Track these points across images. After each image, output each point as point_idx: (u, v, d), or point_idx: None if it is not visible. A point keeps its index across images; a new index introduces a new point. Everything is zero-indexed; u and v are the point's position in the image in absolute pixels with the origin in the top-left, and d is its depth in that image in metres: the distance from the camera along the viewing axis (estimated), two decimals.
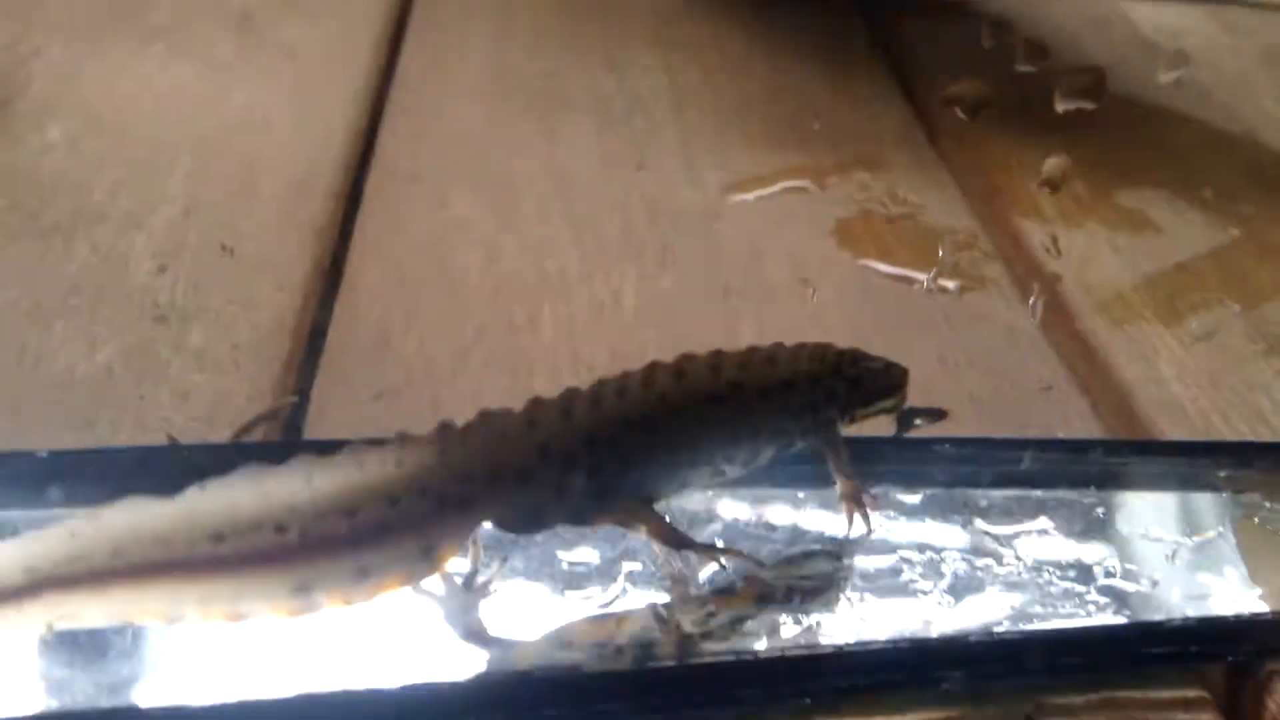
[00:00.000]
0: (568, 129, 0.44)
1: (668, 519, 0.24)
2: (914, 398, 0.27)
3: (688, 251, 0.37)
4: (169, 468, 0.24)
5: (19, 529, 0.20)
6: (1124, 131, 0.52)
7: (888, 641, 0.23)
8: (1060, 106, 0.40)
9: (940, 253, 0.40)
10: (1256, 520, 0.28)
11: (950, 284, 0.38)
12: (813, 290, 0.36)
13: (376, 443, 0.21)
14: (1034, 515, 0.27)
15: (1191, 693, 0.25)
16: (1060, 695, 0.24)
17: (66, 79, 0.41)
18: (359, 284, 0.33)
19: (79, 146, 0.37)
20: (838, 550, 0.25)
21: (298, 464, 0.20)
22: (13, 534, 0.20)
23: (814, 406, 0.25)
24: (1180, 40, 0.64)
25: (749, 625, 0.23)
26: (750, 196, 0.42)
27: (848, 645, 0.23)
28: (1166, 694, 0.25)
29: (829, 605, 0.24)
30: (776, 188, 0.42)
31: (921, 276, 0.38)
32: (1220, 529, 0.28)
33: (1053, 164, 0.39)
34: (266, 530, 0.20)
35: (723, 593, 0.24)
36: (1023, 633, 0.24)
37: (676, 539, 0.23)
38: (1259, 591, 0.26)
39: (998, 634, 0.24)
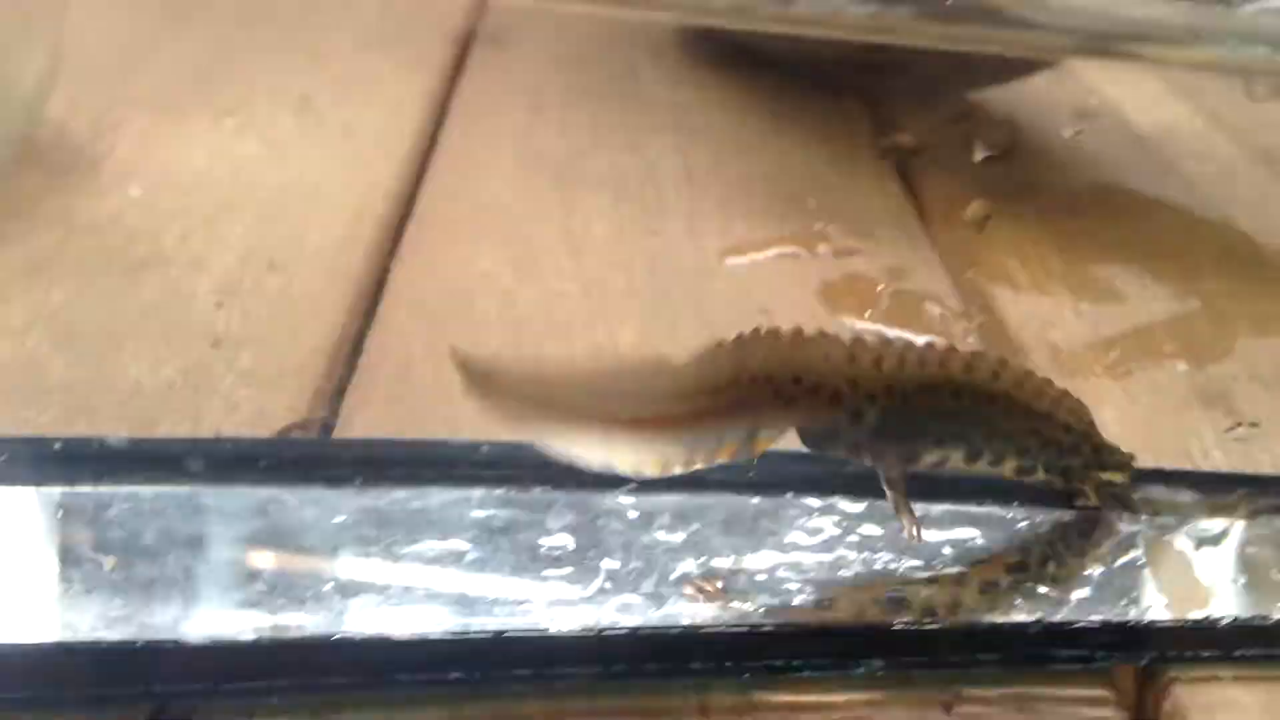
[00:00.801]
0: (586, 200, 0.49)
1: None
2: None
3: (682, 302, 0.42)
4: (217, 456, 0.29)
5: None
6: (1106, 217, 0.56)
7: (817, 625, 0.27)
8: (977, 156, 0.45)
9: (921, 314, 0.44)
10: (1167, 539, 0.31)
11: (919, 341, 0.42)
12: None
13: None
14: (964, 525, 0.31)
15: (1096, 692, 0.28)
16: (977, 687, 0.27)
17: (146, 146, 0.47)
18: (389, 322, 0.38)
19: (154, 202, 0.43)
20: None
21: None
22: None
23: (1060, 449, 0.29)
24: (1173, 136, 0.69)
25: None
26: (744, 259, 0.46)
27: (779, 625, 0.26)
28: (1073, 692, 0.28)
29: None
30: (770, 252, 0.47)
31: (891, 333, 0.42)
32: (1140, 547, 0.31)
33: (975, 207, 0.44)
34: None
35: None
36: (942, 625, 0.28)
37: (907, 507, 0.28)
38: (1164, 601, 0.30)
39: (918, 625, 0.27)
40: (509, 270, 0.42)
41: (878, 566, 0.29)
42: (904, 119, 0.58)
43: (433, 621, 0.25)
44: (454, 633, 0.25)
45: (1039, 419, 0.29)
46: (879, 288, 0.45)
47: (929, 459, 0.29)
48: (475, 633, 0.25)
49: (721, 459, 0.27)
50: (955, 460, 0.29)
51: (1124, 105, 0.70)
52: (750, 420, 0.27)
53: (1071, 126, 0.67)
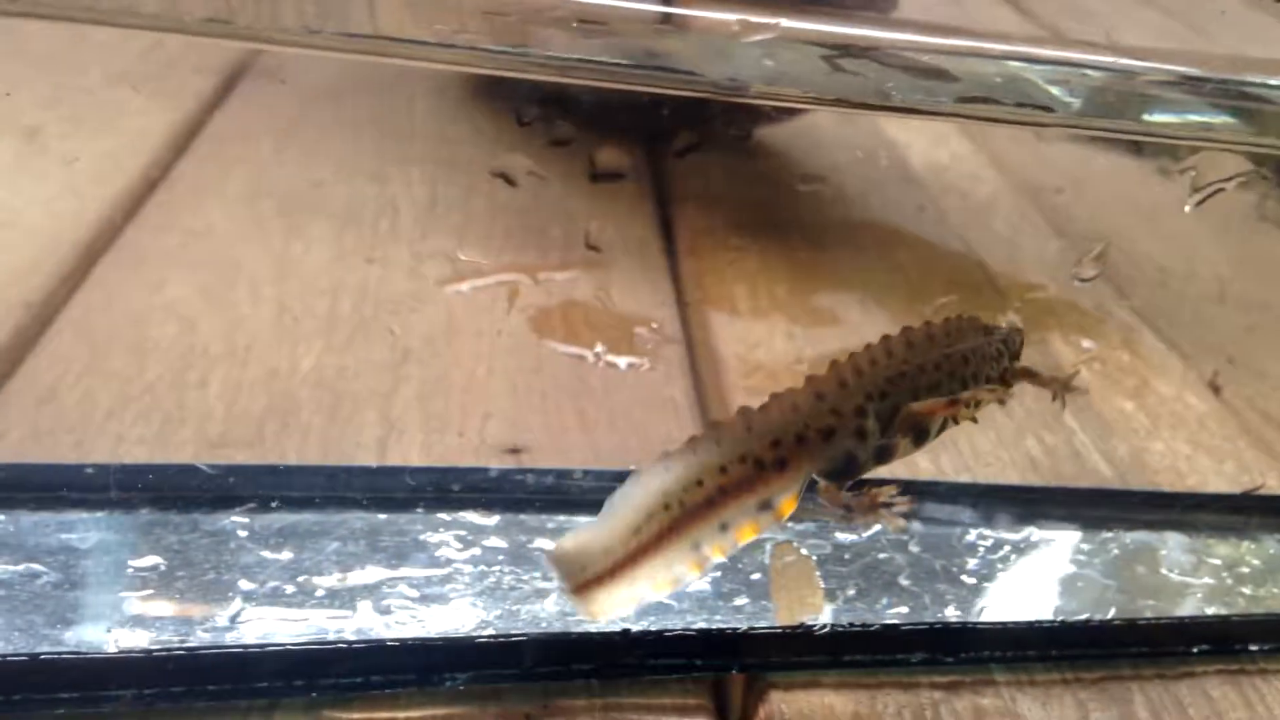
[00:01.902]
0: (313, 229, 0.49)
1: None
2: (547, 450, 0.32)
3: (382, 330, 0.42)
4: None
5: None
6: (850, 250, 0.58)
7: (395, 640, 0.26)
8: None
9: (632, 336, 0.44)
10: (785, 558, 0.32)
11: (621, 361, 0.42)
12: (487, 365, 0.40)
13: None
14: None
15: (691, 700, 0.28)
16: (566, 697, 0.27)
17: None
18: (50, 349, 0.37)
19: None
20: None
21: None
22: None
23: (998, 357, 0.31)
24: (944, 173, 0.71)
25: None
26: (464, 287, 0.46)
27: (354, 641, 0.26)
28: (667, 700, 0.28)
29: None
30: (490, 279, 0.47)
31: (591, 354, 0.42)
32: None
33: (593, 227, 0.45)
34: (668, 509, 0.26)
35: None
36: (529, 635, 0.28)
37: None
38: (770, 609, 0.30)
39: (502, 636, 0.27)
40: (198, 297, 0.41)
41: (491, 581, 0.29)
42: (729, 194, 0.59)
43: None
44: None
45: (979, 349, 0.31)
46: (591, 314, 0.46)
47: (933, 430, 0.30)
48: (8, 657, 0.23)
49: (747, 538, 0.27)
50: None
51: (910, 142, 0.72)
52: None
53: (848, 163, 0.69)
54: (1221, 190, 0.35)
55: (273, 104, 0.63)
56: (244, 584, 0.27)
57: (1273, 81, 0.36)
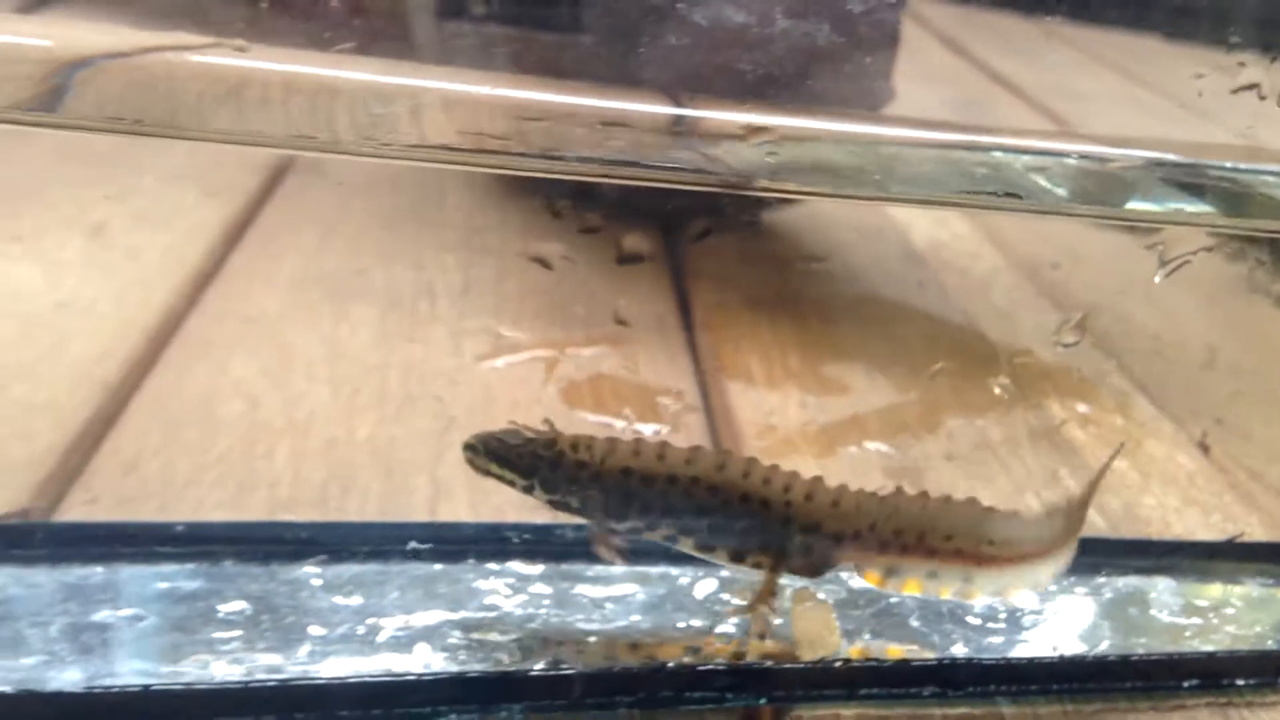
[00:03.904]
0: (356, 312, 0.53)
1: None
2: None
3: (427, 402, 0.45)
4: None
5: None
6: (856, 324, 0.61)
7: (456, 674, 0.30)
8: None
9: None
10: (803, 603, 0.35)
11: (646, 428, 0.46)
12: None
13: None
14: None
15: None
16: None
17: None
18: (128, 425, 0.40)
19: None
20: None
21: None
22: None
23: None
24: (944, 251, 0.75)
25: None
26: (500, 362, 0.50)
27: (421, 675, 0.29)
28: None
29: None
30: (524, 355, 0.51)
31: (620, 423, 0.46)
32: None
33: (621, 306, 0.48)
34: None
35: None
36: (577, 670, 0.31)
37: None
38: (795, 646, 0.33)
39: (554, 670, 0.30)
40: (260, 377, 0.45)
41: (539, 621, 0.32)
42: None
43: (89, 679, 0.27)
44: (105, 688, 0.27)
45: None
46: (619, 385, 0.49)
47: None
48: (121, 689, 0.27)
49: None
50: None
51: (911, 223, 0.76)
52: None
53: (852, 243, 0.73)
54: (1188, 262, 0.39)
55: (315, 198, 0.67)
56: (317, 628, 0.30)
57: (1236, 165, 0.40)
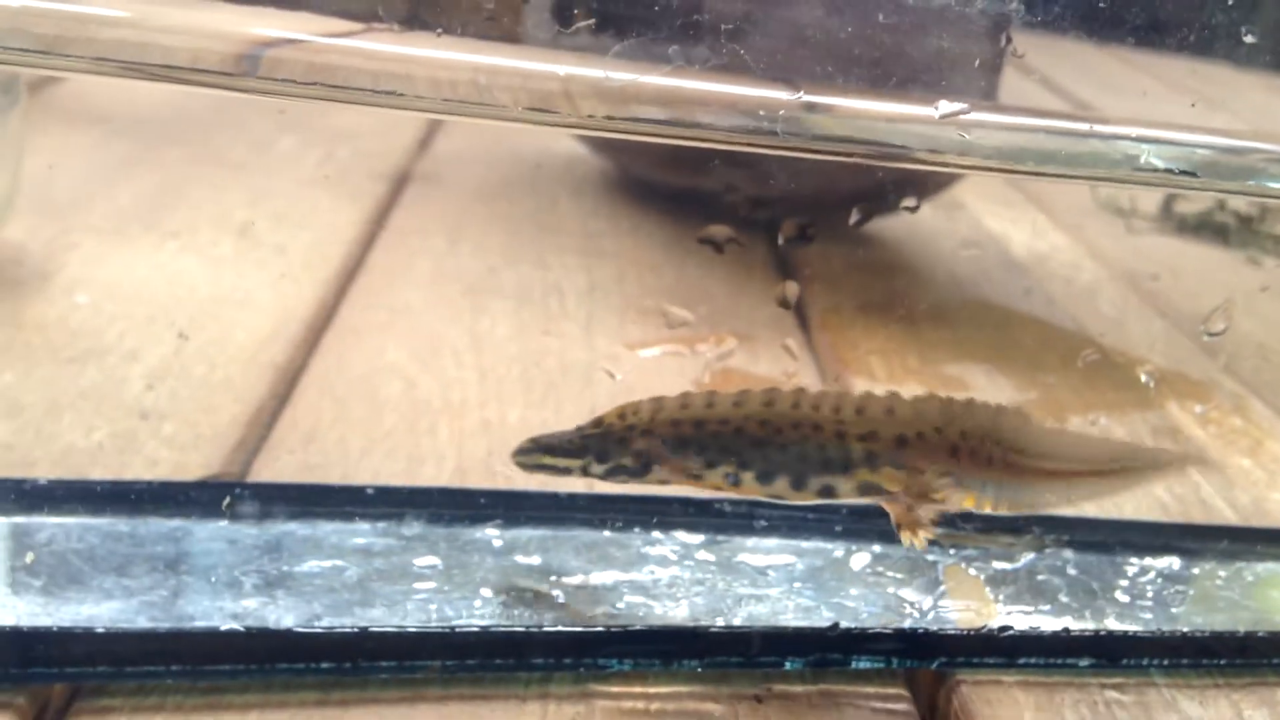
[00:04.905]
0: (493, 307, 0.55)
1: None
2: None
3: (568, 390, 0.47)
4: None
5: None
6: (968, 326, 0.63)
7: (643, 628, 0.31)
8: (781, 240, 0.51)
9: None
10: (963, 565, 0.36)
11: None
12: None
13: None
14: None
15: (890, 690, 0.32)
16: (785, 683, 0.32)
17: (95, 264, 0.52)
18: (301, 403, 0.43)
19: (98, 308, 0.48)
20: None
21: None
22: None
23: None
24: (1045, 262, 0.76)
25: None
26: (631, 356, 0.52)
27: (610, 626, 0.31)
28: (870, 689, 0.32)
29: None
30: (653, 350, 0.53)
31: None
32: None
33: (789, 287, 0.50)
34: None
35: None
36: (754, 628, 0.32)
37: None
38: (956, 614, 0.34)
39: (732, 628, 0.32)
40: (413, 362, 0.47)
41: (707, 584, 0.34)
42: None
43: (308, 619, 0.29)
44: (326, 628, 0.29)
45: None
46: (750, 380, 0.51)
47: None
48: (341, 629, 0.29)
49: None
50: None
51: (1008, 235, 0.77)
52: None
53: (954, 252, 0.74)
54: None
55: (437, 204, 0.70)
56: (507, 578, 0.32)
57: None
